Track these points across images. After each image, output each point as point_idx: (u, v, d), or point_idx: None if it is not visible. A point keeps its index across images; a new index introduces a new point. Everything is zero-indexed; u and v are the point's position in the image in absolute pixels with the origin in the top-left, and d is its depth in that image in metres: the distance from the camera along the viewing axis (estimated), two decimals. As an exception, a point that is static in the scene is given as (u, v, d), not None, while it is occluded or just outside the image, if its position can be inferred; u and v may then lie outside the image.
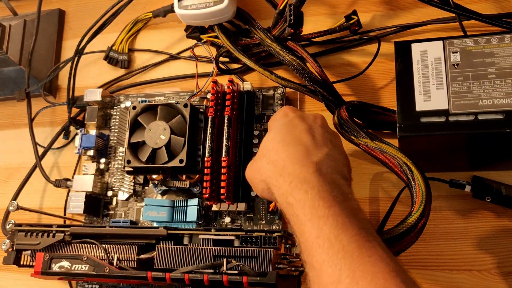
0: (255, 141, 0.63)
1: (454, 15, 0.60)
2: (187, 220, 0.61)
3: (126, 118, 0.68)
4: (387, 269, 0.37)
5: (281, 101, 0.65)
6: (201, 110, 0.63)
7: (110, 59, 0.76)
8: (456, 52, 0.49)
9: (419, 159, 0.47)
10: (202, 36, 0.68)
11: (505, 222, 0.55)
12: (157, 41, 0.76)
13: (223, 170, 0.58)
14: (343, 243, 0.38)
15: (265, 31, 0.62)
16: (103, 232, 0.57)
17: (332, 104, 0.58)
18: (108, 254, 0.55)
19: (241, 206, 0.61)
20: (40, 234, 0.58)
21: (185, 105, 0.61)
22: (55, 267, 0.55)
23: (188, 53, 0.73)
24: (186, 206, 0.62)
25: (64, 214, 0.69)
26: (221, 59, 0.69)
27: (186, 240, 0.55)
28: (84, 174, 0.68)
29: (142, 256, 0.55)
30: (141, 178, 0.67)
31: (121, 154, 0.69)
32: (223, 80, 0.63)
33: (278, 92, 0.65)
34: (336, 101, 0.58)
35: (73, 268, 0.55)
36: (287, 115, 0.51)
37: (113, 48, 0.76)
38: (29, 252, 0.58)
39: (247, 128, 0.64)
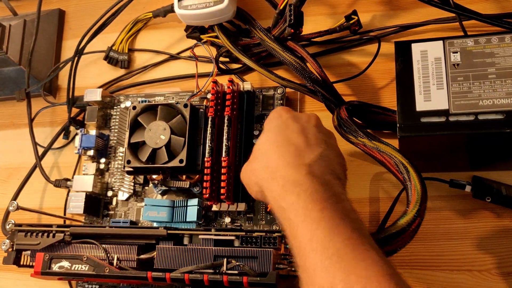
0: (255, 141, 0.63)
1: (454, 15, 0.60)
2: (187, 220, 0.61)
3: (126, 118, 0.68)
4: (380, 272, 0.37)
5: (281, 101, 0.65)
6: (201, 110, 0.63)
7: (110, 59, 0.76)
8: (457, 52, 0.49)
9: (419, 159, 0.47)
10: (202, 36, 0.68)
11: (505, 222, 0.55)
12: (157, 41, 0.76)
13: (223, 170, 0.58)
14: (336, 246, 0.38)
15: (265, 31, 0.62)
16: (103, 232, 0.57)
17: (332, 104, 0.58)
18: (108, 254, 0.55)
19: (241, 206, 0.61)
20: (40, 234, 0.58)
21: (185, 105, 0.61)
22: (55, 267, 0.55)
23: (188, 53, 0.73)
24: (186, 206, 0.62)
25: (64, 214, 0.69)
26: (221, 59, 0.69)
27: (186, 240, 0.55)
28: (84, 174, 0.68)
29: (142, 256, 0.55)
30: (141, 178, 0.67)
31: (121, 154, 0.69)
32: (223, 80, 0.63)
33: (278, 92, 0.65)
34: (336, 101, 0.58)
35: (73, 268, 0.55)
36: (280, 116, 0.51)
37: (113, 48, 0.76)
38: (29, 252, 0.59)
39: (247, 128, 0.64)
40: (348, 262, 0.37)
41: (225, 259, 0.51)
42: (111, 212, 0.67)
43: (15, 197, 0.70)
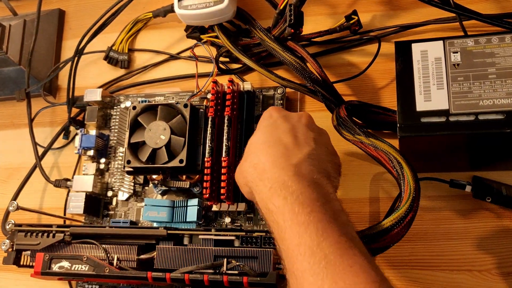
0: (255, 141, 0.63)
1: (454, 15, 0.60)
2: (187, 220, 0.61)
3: (126, 118, 0.68)
4: (369, 279, 0.37)
5: (281, 101, 0.65)
6: (201, 110, 0.63)
7: (110, 59, 0.76)
8: (457, 52, 0.49)
9: (419, 159, 0.47)
10: (202, 36, 0.68)
11: (506, 222, 0.55)
12: (157, 41, 0.76)
13: (223, 170, 0.58)
14: (324, 251, 0.38)
15: (265, 31, 0.62)
16: (103, 232, 0.57)
17: (332, 104, 0.58)
18: (108, 254, 0.55)
19: (241, 206, 0.61)
20: (40, 234, 0.58)
21: (185, 105, 0.61)
22: (55, 267, 0.55)
23: (188, 53, 0.73)
24: (186, 206, 0.62)
25: (64, 214, 0.69)
26: (221, 59, 0.69)
27: (186, 240, 0.55)
28: (84, 174, 0.68)
29: (142, 256, 0.55)
30: (141, 178, 0.67)
31: (121, 154, 0.69)
32: (223, 80, 0.63)
33: (278, 92, 0.65)
34: (336, 101, 0.58)
35: (73, 268, 0.55)
36: (271, 116, 0.51)
37: (113, 48, 0.76)
38: (29, 252, 0.58)
39: (247, 128, 0.64)
40: (337, 268, 0.37)
41: (225, 259, 0.51)
42: (111, 212, 0.67)
43: (15, 197, 0.70)
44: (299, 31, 0.60)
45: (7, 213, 0.65)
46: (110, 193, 0.68)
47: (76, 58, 0.72)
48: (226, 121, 0.60)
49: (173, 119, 0.61)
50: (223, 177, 0.58)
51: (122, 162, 0.66)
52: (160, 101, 0.70)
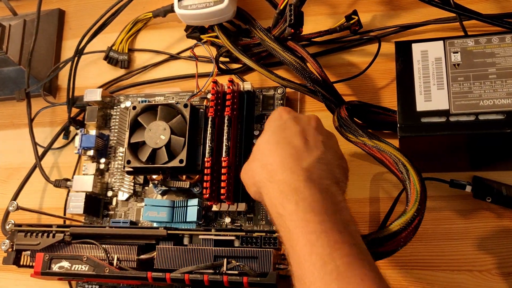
0: (255, 141, 0.63)
1: (454, 15, 0.60)
2: (187, 220, 0.61)
3: (126, 118, 0.68)
4: None
5: (281, 101, 0.65)
6: (201, 110, 0.63)
7: (110, 59, 0.76)
8: (457, 52, 0.49)
9: (419, 159, 0.47)
10: (202, 36, 0.68)
11: (506, 222, 0.55)
12: (157, 41, 0.76)
13: (223, 170, 0.58)
14: (336, 262, 0.38)
15: (265, 31, 0.62)
16: (103, 232, 0.57)
17: (332, 104, 0.57)
18: (108, 255, 0.55)
19: (241, 206, 0.61)
20: (40, 234, 0.58)
21: (185, 105, 0.61)
22: (55, 268, 0.55)
23: (188, 53, 0.73)
24: (186, 206, 0.62)
25: (64, 214, 0.69)
26: (221, 59, 0.69)
27: (186, 241, 0.55)
28: (84, 174, 0.68)
29: (142, 257, 0.55)
30: (141, 178, 0.67)
31: (121, 154, 0.68)
32: (223, 80, 0.63)
33: (278, 92, 0.65)
34: (336, 101, 0.58)
35: (73, 269, 0.55)
36: (281, 117, 0.50)
37: (113, 48, 0.76)
38: (29, 252, 0.58)
39: (247, 128, 0.64)
40: (348, 280, 0.37)
41: (225, 259, 0.51)
42: (111, 212, 0.67)
43: (15, 197, 0.70)
44: (299, 31, 0.60)
45: (7, 213, 0.65)
46: (110, 193, 0.68)
47: (76, 58, 0.72)
48: (226, 121, 0.60)
49: (173, 119, 0.61)
50: (223, 177, 0.58)
51: (122, 162, 0.66)
52: (160, 101, 0.70)
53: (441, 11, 0.58)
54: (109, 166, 0.69)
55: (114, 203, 0.68)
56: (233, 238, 0.52)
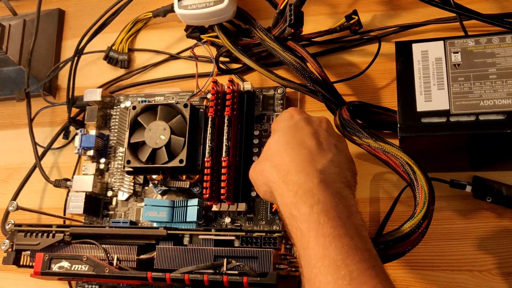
0: (255, 141, 0.63)
1: (455, 15, 0.60)
2: (187, 220, 0.61)
3: (126, 118, 0.68)
4: None
5: (281, 101, 0.65)
6: (201, 110, 0.63)
7: (110, 59, 0.76)
8: (457, 52, 0.49)
9: (419, 159, 0.47)
10: (202, 36, 0.68)
11: (506, 222, 0.55)
12: (157, 41, 0.76)
13: (223, 170, 0.58)
14: (349, 268, 0.38)
15: (265, 31, 0.62)
16: (103, 232, 0.57)
17: (332, 104, 0.57)
18: (108, 255, 0.55)
19: (241, 207, 0.60)
20: (39, 234, 0.58)
21: (185, 105, 0.61)
22: (55, 268, 0.55)
23: (188, 53, 0.73)
24: (186, 206, 0.62)
25: (64, 214, 0.69)
26: (221, 59, 0.69)
27: (186, 241, 0.54)
28: (84, 174, 0.68)
29: (142, 257, 0.54)
30: (141, 178, 0.67)
31: (121, 154, 0.68)
32: (223, 80, 0.63)
33: (278, 92, 0.65)
34: (336, 101, 0.58)
35: (72, 269, 0.54)
36: (292, 117, 0.50)
37: (113, 48, 0.76)
38: (28, 252, 0.58)
39: (247, 128, 0.64)
40: (360, 286, 0.38)
41: (225, 259, 0.50)
42: (111, 212, 0.67)
43: (14, 197, 0.70)
44: (299, 31, 0.60)
45: (7, 213, 0.65)
46: (110, 193, 0.68)
47: (76, 58, 0.72)
48: (226, 121, 0.60)
49: (173, 119, 0.61)
50: (223, 177, 0.58)
51: (122, 162, 0.66)
52: (160, 101, 0.70)
53: (441, 11, 0.58)
54: (109, 166, 0.69)
55: (114, 203, 0.68)
56: (233, 238, 0.52)
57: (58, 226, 0.58)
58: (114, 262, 0.54)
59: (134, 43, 0.77)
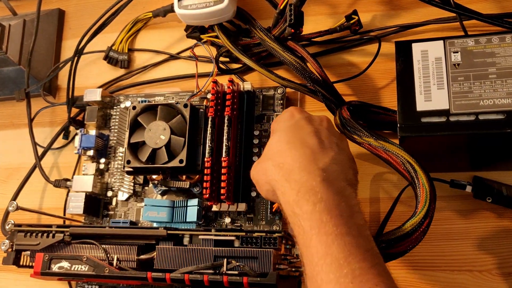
0: (255, 141, 0.63)
1: (454, 15, 0.60)
2: (187, 220, 0.61)
3: (126, 118, 0.68)
4: None
5: (281, 101, 0.64)
6: (201, 110, 0.63)
7: (110, 59, 0.76)
8: (457, 52, 0.49)
9: (420, 159, 0.47)
10: (202, 36, 0.68)
11: (506, 222, 0.55)
12: (157, 41, 0.76)
13: (223, 171, 0.58)
14: (351, 266, 0.38)
15: (265, 31, 0.62)
16: (103, 232, 0.57)
17: (332, 104, 0.57)
18: (108, 255, 0.55)
19: (241, 207, 0.60)
20: (39, 234, 0.58)
21: (185, 105, 0.61)
22: (55, 268, 0.55)
23: (188, 53, 0.73)
24: (186, 206, 0.62)
25: (64, 214, 0.69)
26: (221, 59, 0.69)
27: (186, 241, 0.54)
28: (83, 174, 0.68)
29: (142, 257, 0.54)
30: (141, 178, 0.67)
31: (121, 154, 0.68)
32: (223, 80, 0.63)
33: (278, 92, 0.65)
34: (336, 101, 0.58)
35: (72, 269, 0.54)
36: (293, 117, 0.50)
37: (113, 48, 0.76)
38: (28, 252, 0.58)
39: (247, 128, 0.64)
40: (363, 285, 0.38)
41: (225, 260, 0.50)
42: (111, 212, 0.67)
43: (14, 197, 0.70)
44: (299, 31, 0.60)
45: (7, 213, 0.65)
46: (110, 193, 0.68)
47: (76, 58, 0.72)
48: (226, 121, 0.60)
49: (173, 119, 0.61)
50: (223, 177, 0.58)
51: (122, 162, 0.66)
52: (160, 101, 0.70)
53: (441, 11, 0.57)
54: (109, 166, 0.69)
55: (114, 203, 0.68)
56: (233, 238, 0.52)
57: (58, 226, 0.58)
58: (114, 262, 0.54)
59: (134, 43, 0.77)
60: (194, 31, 0.69)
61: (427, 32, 0.63)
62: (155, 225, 0.63)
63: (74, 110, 0.73)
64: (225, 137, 0.59)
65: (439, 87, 0.49)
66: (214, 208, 0.61)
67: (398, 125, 0.48)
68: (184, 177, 0.62)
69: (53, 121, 0.77)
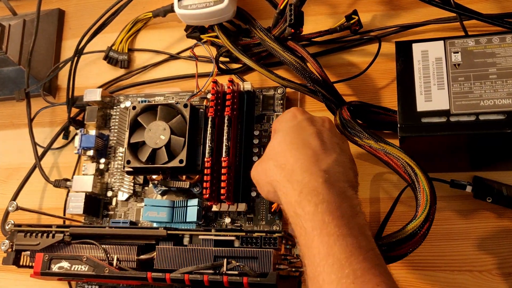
0: (255, 141, 0.63)
1: (455, 15, 0.60)
2: (187, 220, 0.61)
3: (126, 118, 0.68)
4: None
5: (281, 101, 0.64)
6: (201, 110, 0.63)
7: (109, 59, 0.76)
8: (457, 52, 0.49)
9: (420, 159, 0.47)
10: (202, 36, 0.68)
11: (506, 222, 0.55)
12: (157, 41, 0.76)
13: (223, 171, 0.58)
14: (353, 267, 0.39)
15: (265, 31, 0.62)
16: (103, 232, 0.57)
17: (332, 104, 0.57)
18: (108, 255, 0.55)
19: (241, 207, 0.60)
20: (39, 234, 0.58)
21: (185, 105, 0.61)
22: (55, 268, 0.55)
23: (188, 53, 0.73)
24: (186, 206, 0.62)
25: (64, 214, 0.69)
26: (221, 59, 0.69)
27: (186, 241, 0.54)
28: (83, 174, 0.68)
29: (142, 257, 0.54)
30: (141, 179, 0.67)
31: (121, 154, 0.68)
32: (223, 80, 0.63)
33: (278, 92, 0.65)
34: (336, 101, 0.58)
35: (72, 269, 0.54)
36: (295, 117, 0.50)
37: (113, 48, 0.76)
38: (28, 252, 0.58)
39: (247, 128, 0.64)
40: (365, 285, 0.38)
41: (225, 260, 0.50)
42: (111, 212, 0.67)
43: (14, 197, 0.70)
44: (299, 31, 0.60)
45: (7, 213, 0.65)
46: (110, 193, 0.68)
47: (76, 58, 0.72)
48: (226, 121, 0.60)
49: (173, 119, 0.61)
50: (223, 177, 0.58)
51: (122, 162, 0.66)
52: (160, 101, 0.70)
53: (441, 11, 0.57)
54: (109, 166, 0.69)
55: (114, 203, 0.68)
56: (233, 238, 0.52)
57: (58, 226, 0.57)
58: (114, 262, 0.54)
59: (134, 43, 0.77)
60: (194, 31, 0.69)
61: (427, 32, 0.63)
62: (155, 225, 0.63)
63: (74, 110, 0.73)
64: (225, 137, 0.59)
65: (439, 87, 0.49)
66: (214, 208, 0.61)
67: (398, 125, 0.48)
68: (184, 177, 0.62)
69: (53, 121, 0.77)
